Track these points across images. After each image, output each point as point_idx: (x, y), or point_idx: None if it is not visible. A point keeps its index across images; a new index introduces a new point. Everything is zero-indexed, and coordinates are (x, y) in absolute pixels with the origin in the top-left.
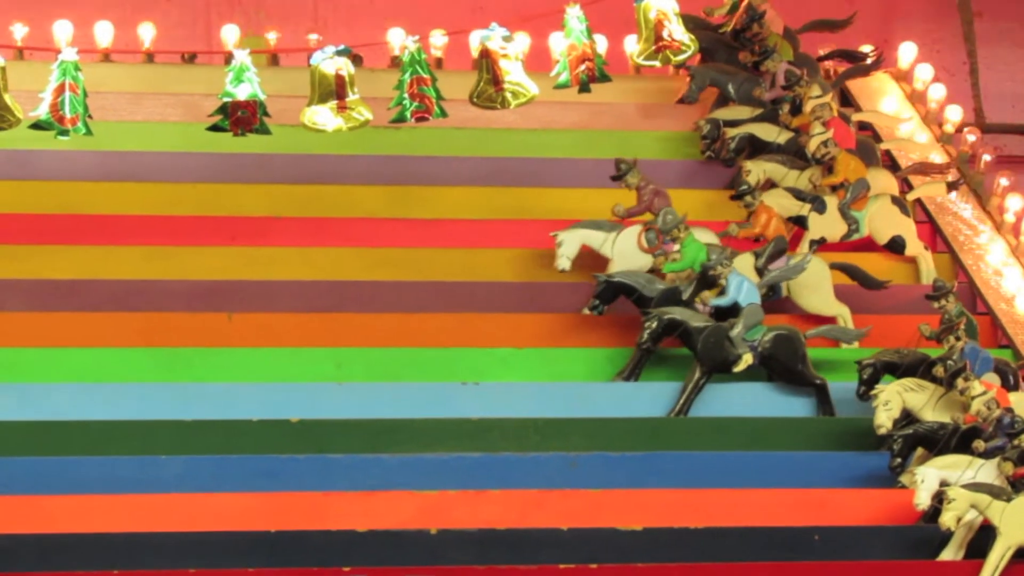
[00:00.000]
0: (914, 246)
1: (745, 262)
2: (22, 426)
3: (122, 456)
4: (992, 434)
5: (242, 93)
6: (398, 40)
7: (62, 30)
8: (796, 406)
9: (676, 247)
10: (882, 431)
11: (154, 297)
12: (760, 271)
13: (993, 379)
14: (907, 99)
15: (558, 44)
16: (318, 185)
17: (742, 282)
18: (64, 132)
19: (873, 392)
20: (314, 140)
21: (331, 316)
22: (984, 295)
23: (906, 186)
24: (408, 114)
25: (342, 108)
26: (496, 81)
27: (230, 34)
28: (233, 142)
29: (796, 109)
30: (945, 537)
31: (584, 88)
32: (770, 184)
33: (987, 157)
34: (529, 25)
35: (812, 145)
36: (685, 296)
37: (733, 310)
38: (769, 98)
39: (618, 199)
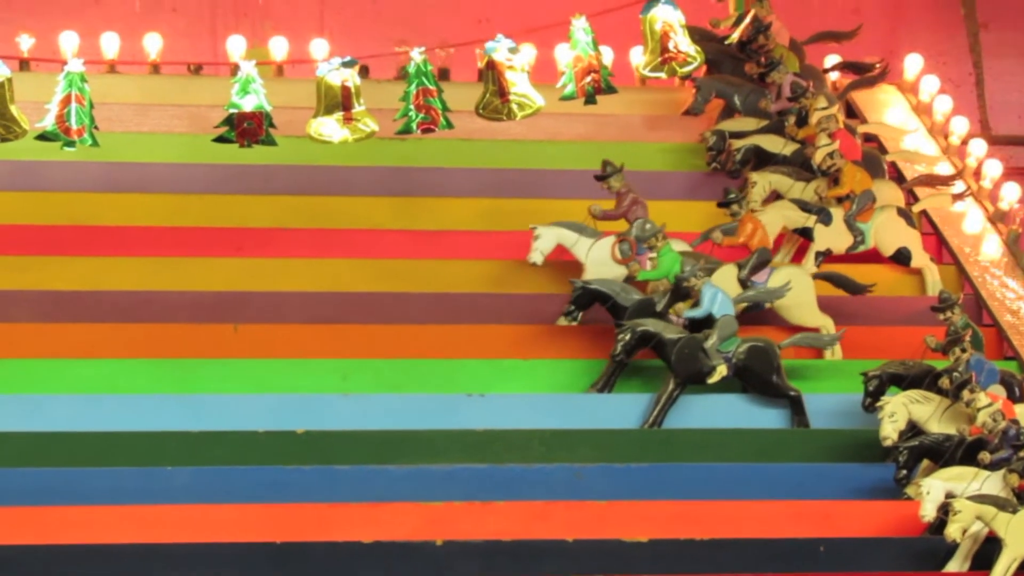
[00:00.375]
0: (920, 258)
1: (728, 273)
2: (28, 437)
3: (128, 467)
4: (998, 446)
5: (248, 104)
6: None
7: (68, 41)
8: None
9: (651, 255)
10: (888, 443)
11: (160, 308)
12: (743, 282)
13: (999, 391)
14: (913, 110)
15: (564, 56)
16: (324, 196)
17: (716, 293)
18: (70, 143)
19: (879, 404)
20: (320, 151)
21: (337, 327)
22: (990, 306)
23: (912, 198)
24: (414, 125)
25: (348, 119)
26: (502, 92)
27: (236, 45)
28: (239, 153)
29: (802, 121)
30: (951, 549)
31: (590, 100)
32: (776, 196)
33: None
34: (535, 36)
35: (818, 157)
36: (659, 307)
37: (708, 321)
38: (775, 110)
39: None
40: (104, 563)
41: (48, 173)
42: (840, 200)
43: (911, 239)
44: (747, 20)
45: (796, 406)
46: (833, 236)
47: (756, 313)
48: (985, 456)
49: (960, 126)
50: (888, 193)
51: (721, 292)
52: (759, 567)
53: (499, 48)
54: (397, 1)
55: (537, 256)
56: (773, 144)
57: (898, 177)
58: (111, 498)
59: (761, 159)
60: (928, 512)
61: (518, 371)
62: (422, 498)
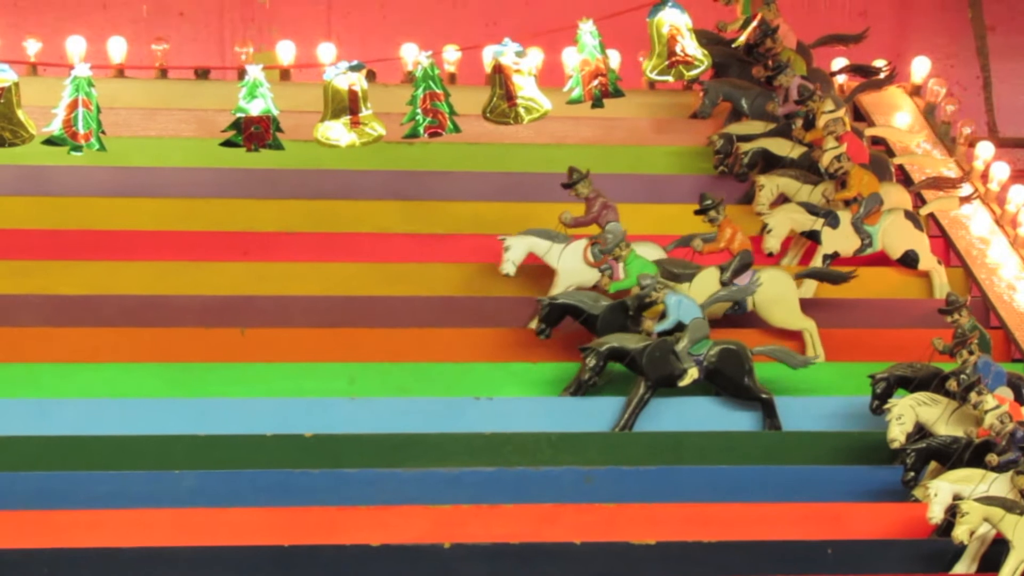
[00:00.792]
0: (927, 260)
1: (711, 277)
2: (36, 441)
3: (135, 471)
4: (1005, 448)
5: (255, 109)
6: (411, 55)
7: (75, 46)
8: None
9: (620, 266)
10: (895, 445)
11: (167, 312)
12: (726, 285)
13: (1006, 393)
14: (920, 113)
15: (571, 59)
16: (331, 200)
17: (680, 300)
18: (77, 148)
19: (886, 406)
20: (327, 155)
21: (344, 331)
22: (997, 309)
23: (919, 200)
24: (421, 129)
25: (355, 123)
26: (509, 96)
27: (243, 50)
28: (246, 157)
29: (809, 124)
30: (958, 551)
31: (597, 103)
32: (783, 199)
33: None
34: (542, 40)
35: (825, 160)
36: (632, 311)
37: (679, 327)
38: (782, 113)
39: (636, 214)
40: (111, 566)
41: (55, 177)
42: (847, 203)
43: (918, 242)
44: (754, 23)
45: (768, 408)
46: (840, 239)
47: (740, 316)
48: (992, 458)
49: (967, 129)
50: (895, 196)
51: (685, 297)
52: (767, 569)
53: (506, 52)
54: (404, 5)
55: (509, 267)
56: (780, 147)
57: (905, 180)
58: (118, 502)
59: (768, 162)
60: (936, 514)
61: (525, 375)
62: (430, 501)
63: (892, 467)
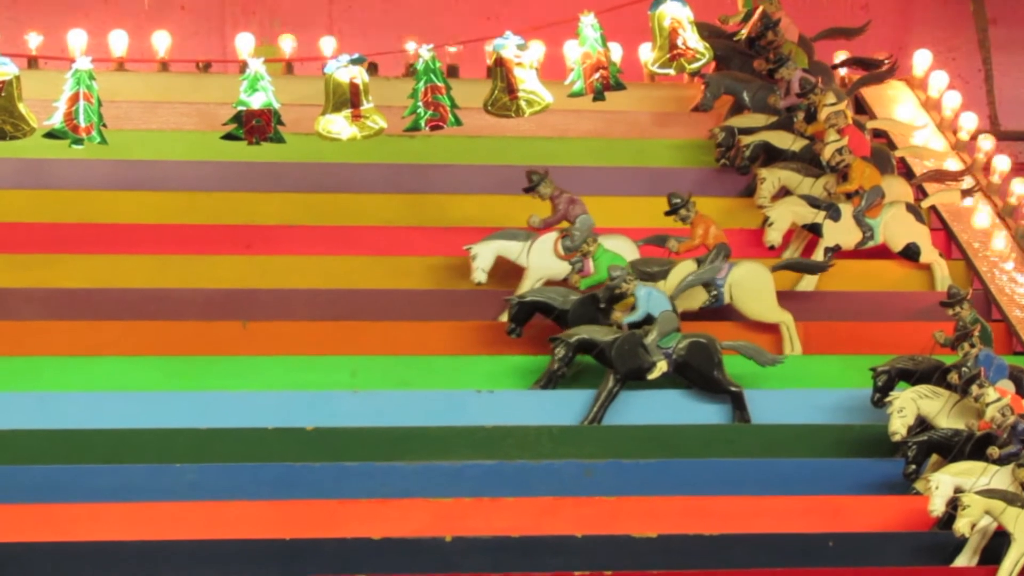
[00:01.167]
0: (929, 253)
1: (687, 270)
2: (37, 435)
3: (137, 464)
4: (1007, 440)
5: (256, 102)
6: (412, 48)
7: (76, 39)
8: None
9: (589, 261)
10: (897, 438)
11: (169, 305)
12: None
13: (1008, 386)
14: (922, 106)
15: (572, 52)
16: (332, 194)
17: (649, 293)
18: (78, 141)
19: (888, 399)
20: (329, 149)
21: (346, 324)
22: (999, 302)
23: (921, 193)
24: (422, 122)
25: (356, 117)
26: (511, 89)
27: (245, 43)
28: (248, 151)
29: (811, 117)
30: (959, 543)
31: (598, 96)
32: (785, 192)
33: (1004, 166)
34: (543, 33)
35: (827, 152)
36: (603, 303)
37: (649, 320)
38: (784, 106)
39: (637, 208)
40: (113, 560)
41: (57, 171)
42: (849, 196)
43: (920, 235)
44: (756, 16)
45: (737, 401)
46: (842, 232)
47: (717, 309)
48: (994, 451)
49: (969, 122)
50: (897, 189)
51: (654, 290)
52: (768, 562)
53: (508, 45)
54: None
55: (480, 275)
56: (782, 140)
57: (907, 173)
58: (120, 495)
59: (770, 155)
60: (937, 507)
61: (527, 368)
62: (431, 494)
63: (893, 460)
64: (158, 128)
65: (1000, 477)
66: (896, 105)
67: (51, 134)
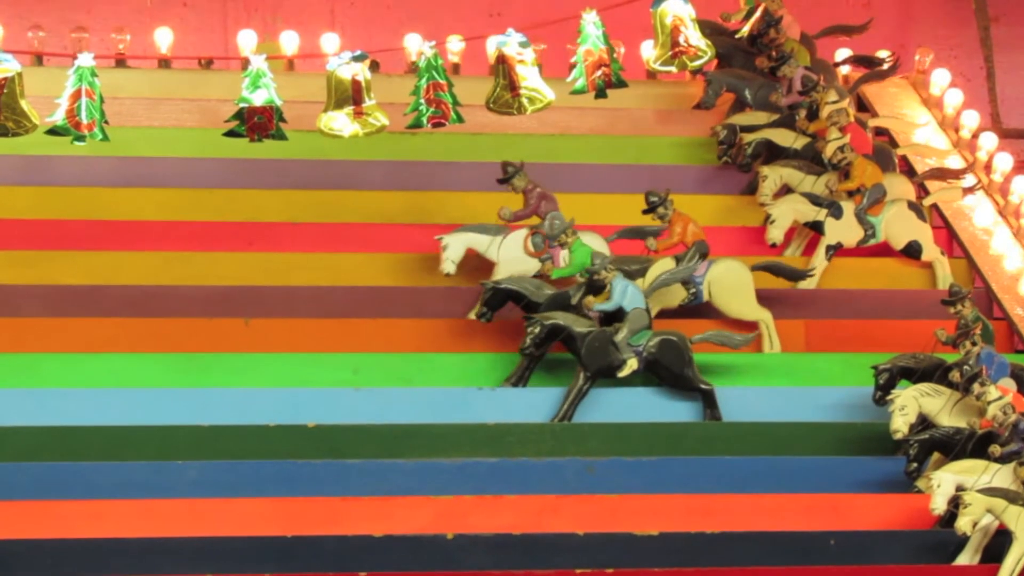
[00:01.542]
0: (930, 251)
1: (666, 268)
2: (39, 431)
3: (139, 461)
4: (1008, 439)
5: (259, 99)
6: (415, 46)
7: (79, 36)
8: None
9: (564, 252)
10: (898, 436)
11: (171, 302)
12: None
13: (1009, 384)
14: (924, 104)
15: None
16: (335, 191)
17: (627, 287)
18: (80, 138)
19: (889, 397)
20: (331, 146)
21: (348, 321)
22: (1000, 300)
23: (923, 191)
24: (425, 119)
25: (359, 114)
26: (513, 86)
27: (247, 40)
28: (250, 148)
29: (813, 114)
30: (961, 542)
31: (601, 94)
32: (787, 189)
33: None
34: (545, 31)
35: (829, 150)
36: (574, 301)
37: (619, 315)
38: (786, 103)
39: (639, 205)
40: (115, 557)
41: (58, 167)
42: (851, 194)
43: (922, 233)
44: (758, 14)
45: (708, 399)
46: (844, 230)
47: (696, 306)
48: (995, 449)
49: (971, 120)
50: (899, 187)
51: (631, 285)
52: (770, 560)
53: (510, 42)
54: None
55: (449, 266)
56: (784, 138)
57: (909, 171)
58: (122, 492)
59: (772, 153)
60: (938, 505)
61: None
62: (433, 492)
63: (895, 458)
64: (160, 125)
65: (1002, 475)
66: (898, 103)
67: (53, 131)
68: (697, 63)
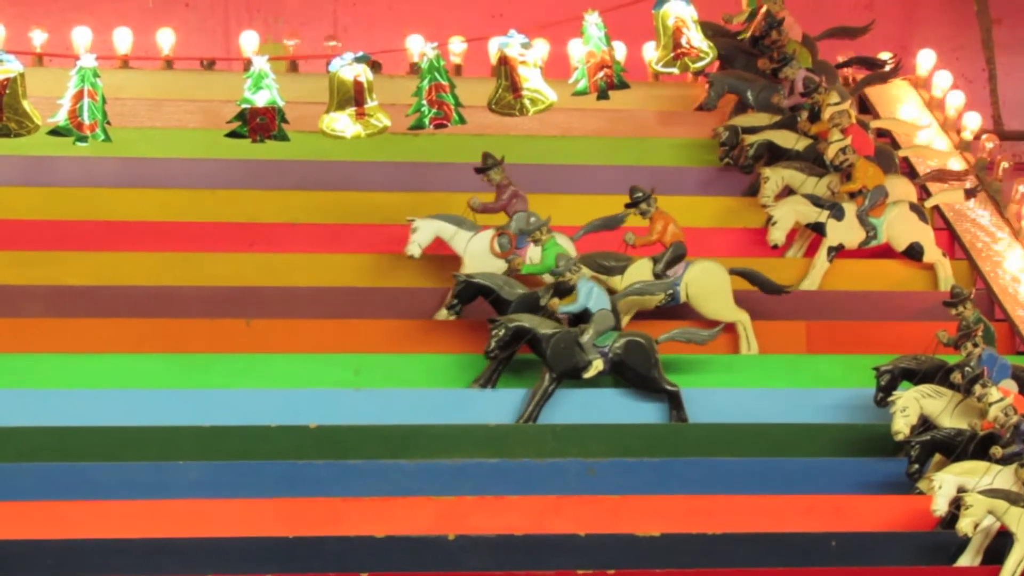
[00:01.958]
0: (932, 253)
1: (643, 268)
2: (41, 432)
3: (140, 462)
4: (1010, 440)
5: (261, 100)
6: (417, 47)
7: (81, 36)
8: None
9: (537, 249)
10: (900, 437)
11: (173, 303)
12: (658, 276)
13: (1011, 385)
14: (925, 106)
15: (577, 51)
16: (337, 192)
17: (592, 288)
18: (83, 138)
19: (891, 398)
20: (333, 147)
21: (349, 322)
22: (1002, 302)
23: (924, 193)
24: (427, 121)
25: (361, 115)
26: (515, 88)
27: (249, 41)
28: (252, 148)
29: (815, 116)
30: (962, 543)
31: (603, 95)
32: (788, 191)
33: (1005, 164)
34: (548, 32)
35: (830, 152)
36: (543, 302)
37: (586, 316)
38: (788, 105)
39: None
40: (116, 557)
41: (61, 168)
42: (852, 195)
43: (923, 234)
44: (760, 15)
45: (674, 401)
46: (845, 231)
47: (674, 307)
48: (997, 451)
49: (972, 122)
50: (900, 188)
51: (596, 286)
52: (771, 561)
53: (512, 43)
54: None
55: (415, 248)
56: (786, 139)
57: (910, 172)
58: (124, 493)
59: (774, 154)
60: (940, 506)
61: (530, 366)
62: (434, 492)
63: (896, 459)
64: (162, 126)
65: (1003, 477)
66: (900, 105)
67: (55, 131)
68: (699, 64)
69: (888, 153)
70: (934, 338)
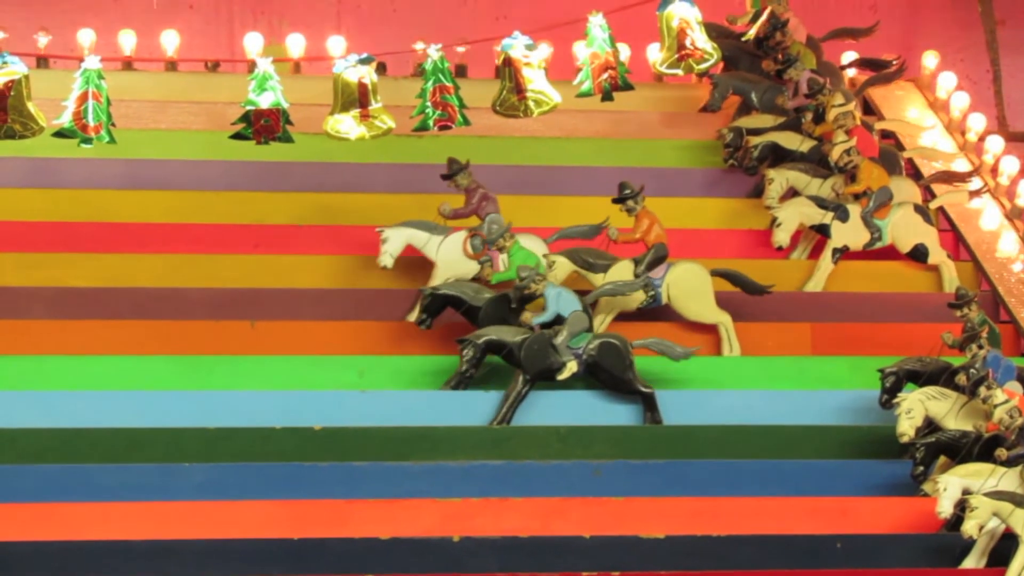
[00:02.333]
0: (937, 254)
1: (625, 269)
2: (45, 434)
3: (145, 464)
4: (1015, 442)
5: (265, 101)
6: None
7: (86, 38)
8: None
9: (503, 256)
10: (904, 439)
11: (177, 305)
12: (639, 278)
13: (1015, 387)
14: (930, 107)
15: (581, 52)
16: (341, 193)
17: (559, 293)
18: (87, 140)
19: (896, 400)
20: (337, 148)
21: (354, 324)
22: (1007, 303)
23: (929, 194)
24: (431, 122)
25: (365, 116)
26: (519, 89)
27: (253, 42)
28: (256, 150)
29: (819, 117)
30: (967, 545)
31: (607, 96)
32: (793, 192)
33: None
34: (552, 33)
35: (835, 153)
36: (515, 304)
37: (560, 321)
38: (792, 106)
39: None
40: (121, 559)
41: (65, 170)
42: (857, 197)
43: (928, 235)
44: (764, 17)
45: (648, 403)
46: (850, 233)
47: (655, 309)
48: (1002, 452)
49: (977, 123)
50: (905, 190)
51: (564, 290)
52: (776, 563)
53: (516, 45)
54: None
55: (387, 259)
56: (790, 141)
57: (915, 174)
58: (128, 494)
59: (778, 156)
60: (945, 508)
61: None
62: (439, 494)
63: (901, 461)
64: (166, 127)
65: (1008, 479)
66: (904, 106)
67: (60, 133)
68: (703, 66)
69: (892, 154)
70: (939, 340)
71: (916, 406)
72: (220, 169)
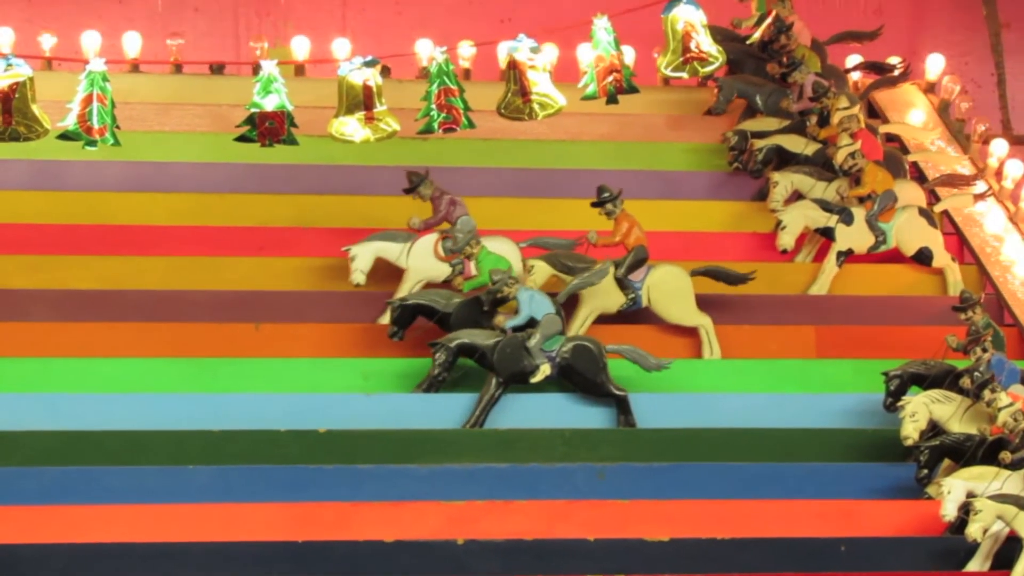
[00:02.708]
0: (941, 258)
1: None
2: (49, 436)
3: (150, 466)
4: (1019, 445)
5: (270, 104)
6: (426, 51)
7: (90, 41)
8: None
9: (472, 263)
10: (909, 442)
11: (181, 307)
12: (620, 281)
13: (1020, 391)
14: (935, 111)
15: (586, 55)
16: (345, 196)
17: (532, 296)
18: (92, 142)
19: (900, 403)
20: (341, 151)
21: (358, 327)
22: (1011, 306)
23: (933, 198)
24: (436, 125)
25: (370, 119)
26: (524, 92)
27: (258, 45)
28: (261, 153)
29: (824, 121)
30: (971, 548)
31: (612, 99)
32: (797, 195)
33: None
34: (557, 36)
35: (840, 157)
36: (487, 307)
37: (533, 324)
38: (797, 110)
39: (650, 211)
40: (125, 562)
41: (70, 172)
42: (862, 200)
43: (932, 239)
44: (769, 20)
45: (622, 405)
46: (855, 236)
47: (634, 312)
48: (1006, 455)
49: (982, 126)
50: (910, 193)
51: (537, 293)
52: (780, 566)
53: (521, 48)
54: (419, 1)
55: (359, 276)
56: (795, 144)
57: (920, 177)
58: (133, 497)
59: (783, 159)
60: (949, 511)
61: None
62: (443, 497)
63: (906, 464)
64: (171, 130)
65: (1012, 482)
66: (909, 109)
67: (65, 135)
68: (708, 69)
69: (897, 158)
70: (943, 343)
71: (920, 409)
72: (225, 171)
